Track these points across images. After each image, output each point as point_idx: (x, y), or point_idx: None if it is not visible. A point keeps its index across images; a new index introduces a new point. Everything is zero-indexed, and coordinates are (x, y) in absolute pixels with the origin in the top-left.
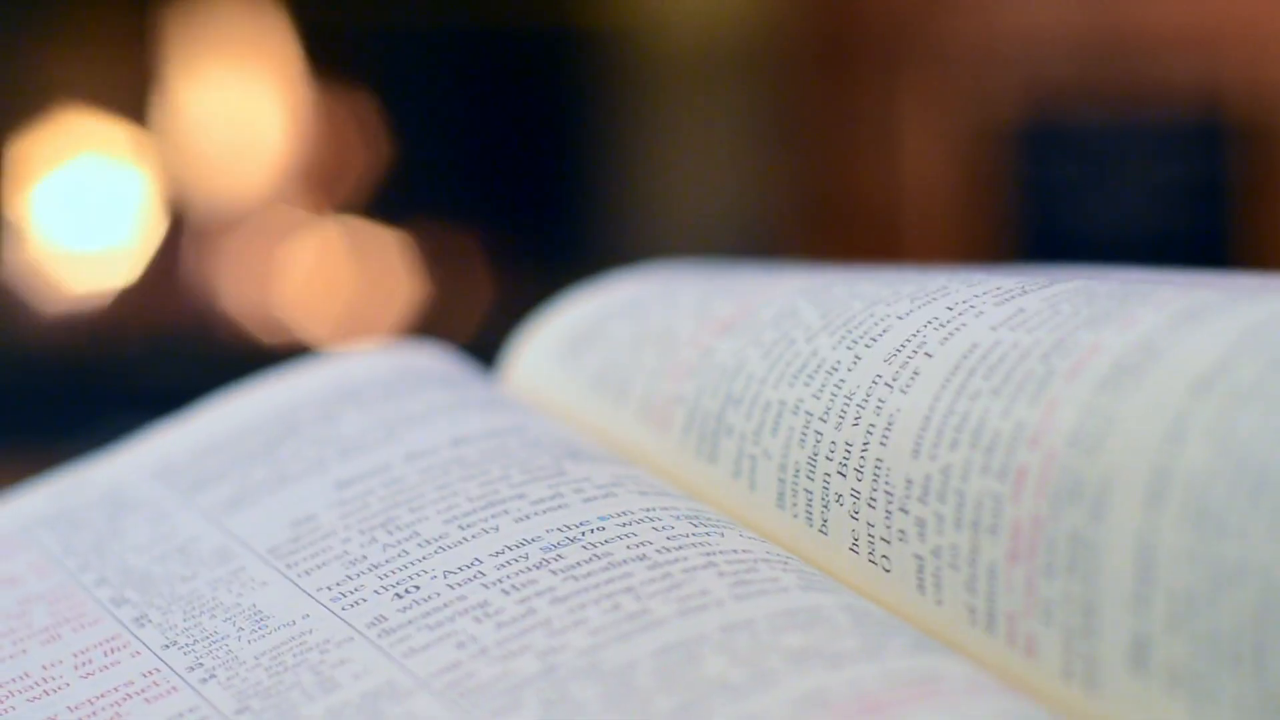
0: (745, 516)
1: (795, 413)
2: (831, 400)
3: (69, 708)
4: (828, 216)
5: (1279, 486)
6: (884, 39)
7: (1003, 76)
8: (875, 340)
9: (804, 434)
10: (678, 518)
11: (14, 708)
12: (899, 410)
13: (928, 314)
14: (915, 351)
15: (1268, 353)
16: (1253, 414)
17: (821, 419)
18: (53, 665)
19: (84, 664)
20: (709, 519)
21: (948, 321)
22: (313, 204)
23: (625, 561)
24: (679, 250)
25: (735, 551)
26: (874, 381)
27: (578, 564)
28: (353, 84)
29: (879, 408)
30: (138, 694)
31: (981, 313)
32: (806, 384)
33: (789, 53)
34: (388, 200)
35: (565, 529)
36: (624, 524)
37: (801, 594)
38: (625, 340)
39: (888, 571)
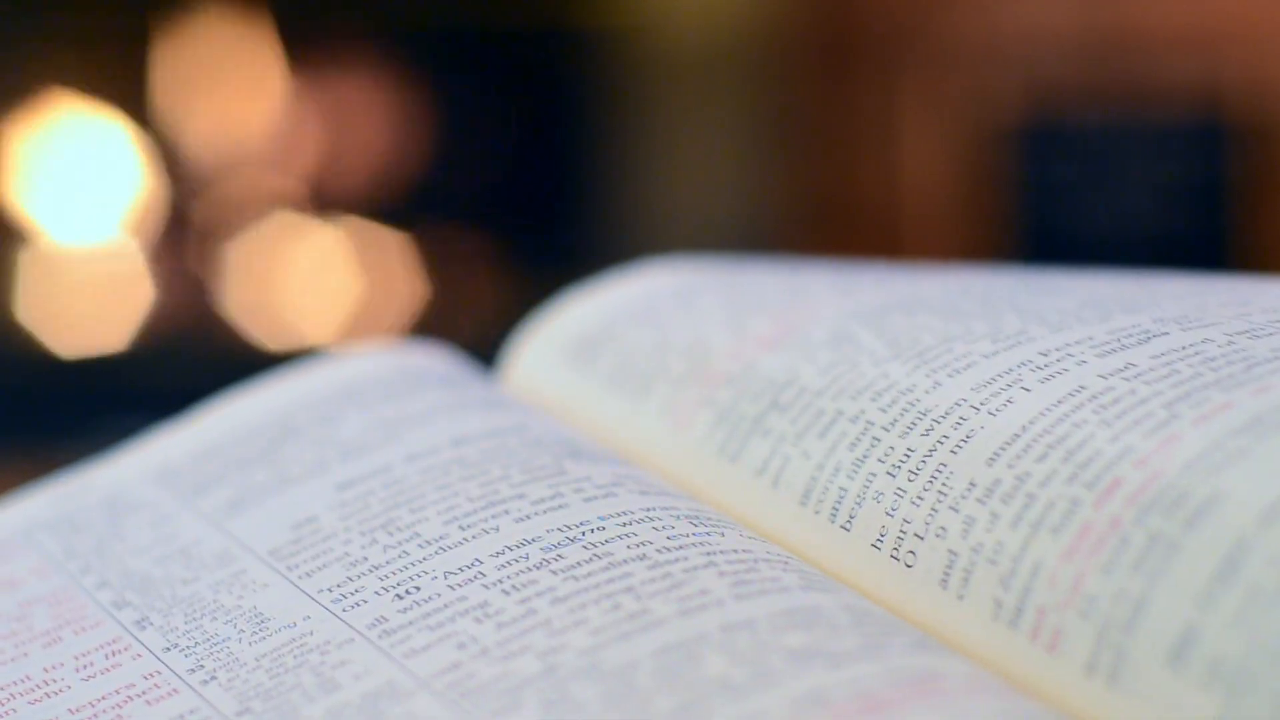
0: (750, 514)
1: (854, 421)
2: (901, 414)
3: (70, 710)
4: (828, 216)
5: None
6: (884, 39)
7: (1003, 76)
8: (959, 371)
9: (858, 439)
10: (678, 517)
11: (15, 710)
12: (983, 427)
13: (1018, 356)
14: (1011, 384)
15: None
16: None
17: (884, 428)
18: (54, 668)
19: (85, 666)
20: (709, 519)
21: (1044, 365)
22: (314, 205)
23: (625, 561)
24: (680, 250)
25: (735, 551)
26: (957, 403)
27: (578, 564)
28: (354, 85)
29: (959, 424)
30: (139, 696)
31: (1084, 361)
32: (873, 400)
33: (789, 53)
34: (389, 201)
35: (565, 529)
36: (624, 524)
37: (802, 593)
38: (646, 347)
39: (909, 567)
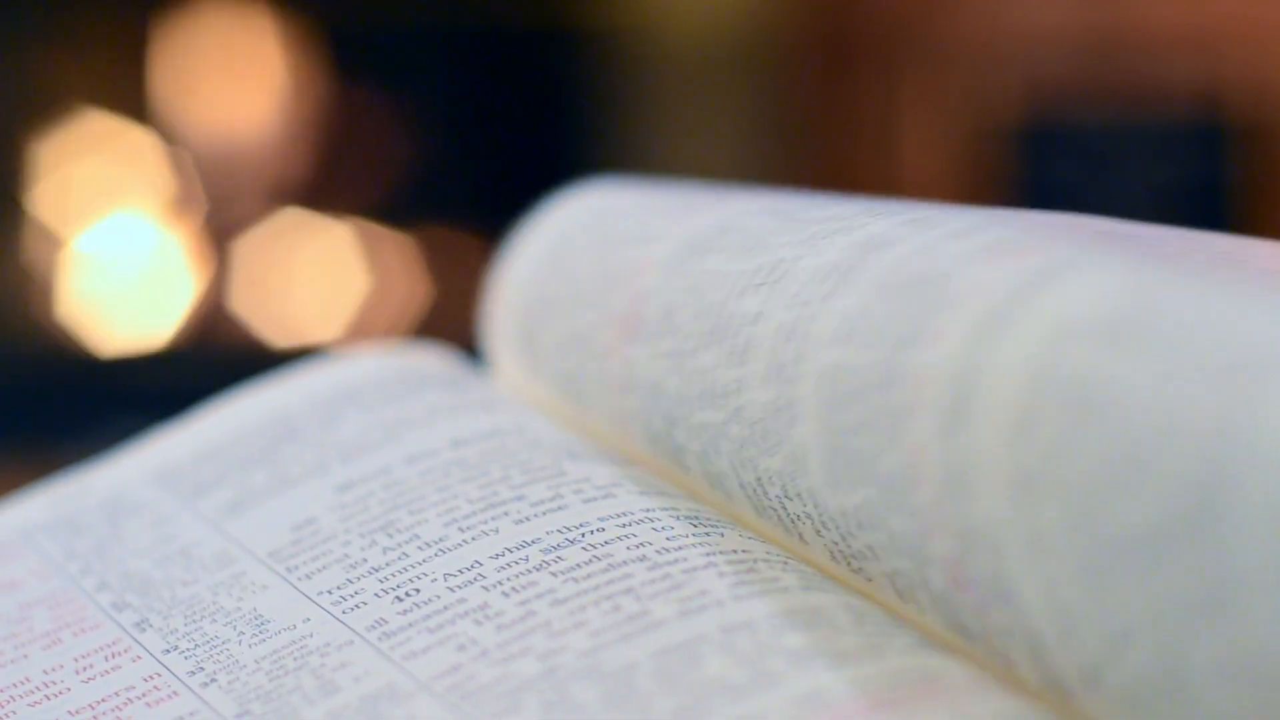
0: (743, 519)
1: (724, 437)
2: (748, 430)
3: (70, 713)
4: None
5: None
6: (884, 39)
7: (1003, 76)
8: (745, 353)
9: (740, 460)
10: (677, 518)
11: (15, 712)
12: (799, 442)
13: (775, 320)
14: (784, 365)
15: None
16: None
17: (747, 445)
18: (54, 670)
19: (85, 669)
20: (709, 519)
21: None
22: (317, 206)
23: (625, 563)
24: None
25: (735, 552)
26: (765, 408)
27: (578, 565)
28: (353, 85)
29: (780, 437)
30: (139, 698)
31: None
32: (717, 410)
33: (789, 52)
34: (389, 202)
35: (565, 530)
36: (624, 525)
37: (802, 594)
38: (559, 341)
39: (870, 580)
